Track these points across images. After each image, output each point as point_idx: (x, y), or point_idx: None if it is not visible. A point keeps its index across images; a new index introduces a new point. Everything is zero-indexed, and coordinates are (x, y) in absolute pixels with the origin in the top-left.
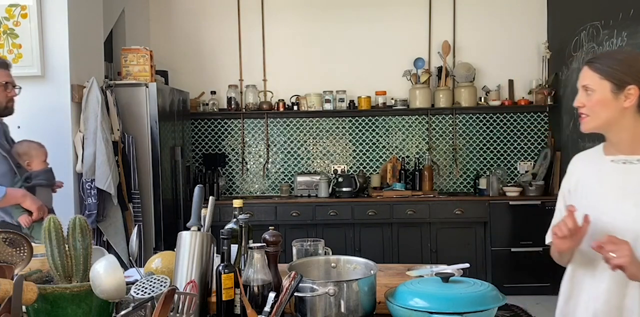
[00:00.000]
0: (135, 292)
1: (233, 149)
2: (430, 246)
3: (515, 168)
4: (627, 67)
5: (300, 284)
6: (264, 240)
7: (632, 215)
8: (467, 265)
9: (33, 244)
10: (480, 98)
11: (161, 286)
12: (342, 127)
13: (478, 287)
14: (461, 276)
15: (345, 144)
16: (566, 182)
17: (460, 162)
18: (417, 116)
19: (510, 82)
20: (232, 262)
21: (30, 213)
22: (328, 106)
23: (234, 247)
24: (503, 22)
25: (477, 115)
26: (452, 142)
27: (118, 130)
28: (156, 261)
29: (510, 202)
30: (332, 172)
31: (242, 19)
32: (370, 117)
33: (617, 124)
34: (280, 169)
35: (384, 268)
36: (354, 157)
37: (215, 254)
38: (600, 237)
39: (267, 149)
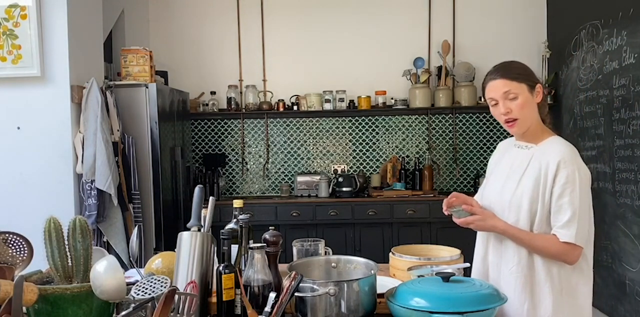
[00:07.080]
0: (135, 292)
1: (233, 149)
2: None
3: None
4: (526, 70)
5: (300, 284)
6: (264, 240)
7: (498, 189)
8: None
9: None
10: (480, 97)
11: (161, 286)
12: (342, 127)
13: (478, 287)
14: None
15: (345, 144)
16: (489, 164)
17: (460, 162)
18: (417, 116)
19: None
20: (233, 262)
21: None
22: (328, 106)
23: (235, 248)
24: (503, 22)
25: (477, 114)
26: (452, 141)
27: (118, 131)
28: (156, 262)
29: None
30: (332, 172)
31: (241, 19)
32: (370, 117)
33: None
34: (280, 169)
35: (385, 268)
36: (354, 157)
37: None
38: (488, 207)
39: (267, 149)
